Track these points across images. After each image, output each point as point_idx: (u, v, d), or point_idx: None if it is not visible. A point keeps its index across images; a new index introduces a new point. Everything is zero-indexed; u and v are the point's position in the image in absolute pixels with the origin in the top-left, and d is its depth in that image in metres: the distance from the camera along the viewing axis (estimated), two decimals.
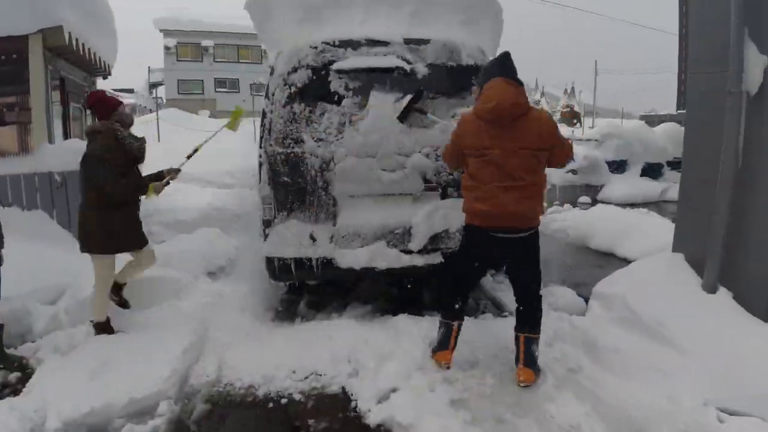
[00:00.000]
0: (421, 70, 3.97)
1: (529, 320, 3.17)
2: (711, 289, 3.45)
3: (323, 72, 3.91)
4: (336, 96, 3.91)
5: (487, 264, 3.35)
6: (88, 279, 4.49)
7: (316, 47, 3.94)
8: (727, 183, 3.39)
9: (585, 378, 3.18)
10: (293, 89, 3.91)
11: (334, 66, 3.91)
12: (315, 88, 3.91)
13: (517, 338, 3.15)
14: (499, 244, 3.07)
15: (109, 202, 3.71)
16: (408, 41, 4.00)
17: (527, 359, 3.10)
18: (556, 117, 52.65)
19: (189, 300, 4.51)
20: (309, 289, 4.89)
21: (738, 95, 3.34)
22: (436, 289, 4.94)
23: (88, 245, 3.76)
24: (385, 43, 3.98)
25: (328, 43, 3.95)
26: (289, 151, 3.91)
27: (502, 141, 2.94)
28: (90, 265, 4.65)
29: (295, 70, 3.92)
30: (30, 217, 5.51)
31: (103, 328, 3.78)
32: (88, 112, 3.93)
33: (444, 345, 3.24)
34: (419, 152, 3.92)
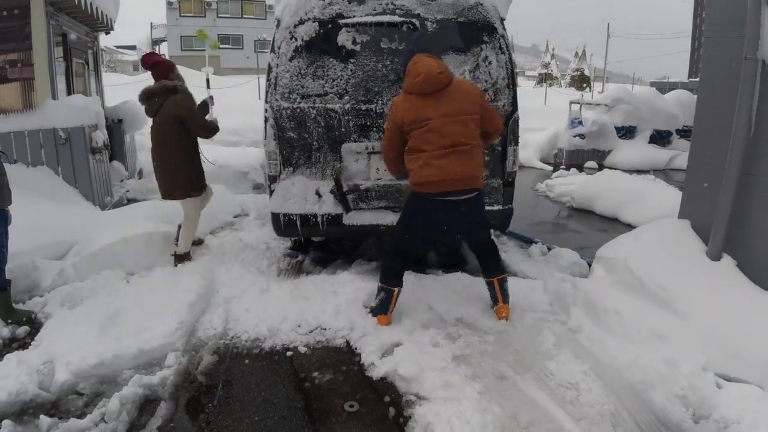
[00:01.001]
0: (431, 25, 3.88)
1: (495, 265, 3.53)
2: (715, 257, 3.43)
3: (330, 25, 3.84)
4: (344, 50, 3.84)
5: (432, 231, 3.41)
6: (94, 235, 4.55)
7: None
8: (737, 151, 3.33)
9: (585, 338, 3.23)
10: (300, 42, 3.84)
11: (342, 20, 3.83)
12: (322, 42, 3.85)
13: (490, 283, 3.49)
14: (447, 207, 3.20)
15: (194, 149, 4.31)
16: None
17: (505, 297, 3.49)
18: (566, 80, 52.12)
19: (195, 255, 4.55)
20: (314, 245, 4.92)
21: (753, 62, 3.25)
22: (440, 248, 4.97)
23: (182, 191, 4.27)
24: None
25: None
26: (295, 105, 3.88)
27: (439, 109, 3.11)
28: (97, 221, 4.73)
29: (302, 22, 3.84)
30: (35, 174, 5.52)
31: (185, 258, 4.33)
32: (146, 71, 4.30)
33: (384, 309, 3.37)
34: None
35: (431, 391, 2.65)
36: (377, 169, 3.99)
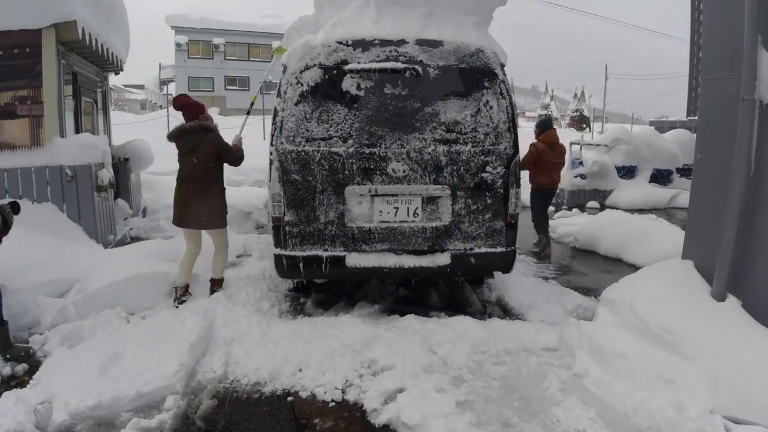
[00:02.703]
0: (433, 71, 3.97)
1: None
2: (720, 297, 3.41)
3: (335, 71, 3.93)
4: (348, 95, 3.92)
5: None
6: (96, 273, 4.55)
7: (329, 46, 3.96)
8: (738, 190, 3.35)
9: (591, 383, 3.16)
10: (305, 87, 3.92)
11: (347, 66, 3.92)
12: (327, 87, 3.93)
13: None
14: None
15: (222, 181, 4.63)
16: (420, 42, 4.00)
17: None
18: (566, 121, 52.81)
19: (196, 295, 4.53)
20: (316, 287, 4.89)
21: (751, 103, 3.31)
22: (443, 290, 4.94)
23: (218, 221, 4.57)
24: (398, 43, 3.98)
25: (341, 42, 3.96)
26: (299, 149, 3.93)
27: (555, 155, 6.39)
28: (99, 259, 4.74)
29: (307, 68, 3.93)
30: (40, 210, 5.54)
31: (220, 284, 4.61)
32: (177, 112, 4.62)
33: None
34: (429, 154, 3.93)
35: None
36: (380, 211, 4.01)
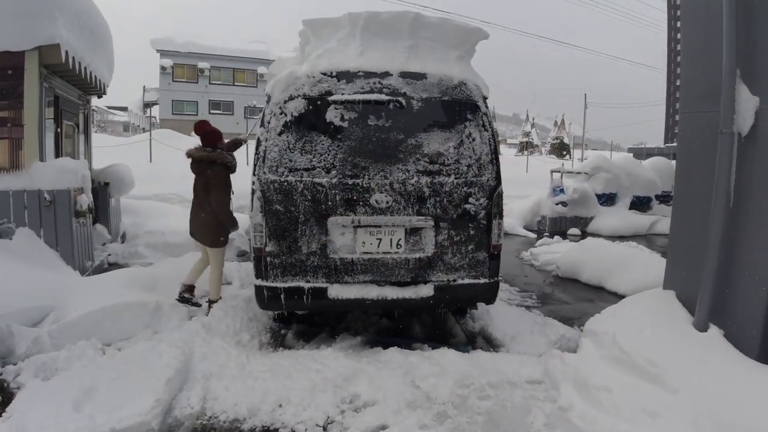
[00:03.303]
0: (417, 103, 4.00)
1: None
2: (702, 328, 3.43)
3: (320, 102, 3.94)
4: (332, 126, 3.93)
5: None
6: (72, 302, 4.43)
7: (313, 77, 3.97)
8: (718, 221, 3.40)
9: (576, 417, 3.14)
10: (289, 118, 3.92)
11: (331, 97, 3.93)
12: (311, 118, 3.93)
13: None
14: None
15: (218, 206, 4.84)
16: (404, 74, 4.04)
17: None
18: (546, 148, 53.69)
19: (174, 326, 4.43)
20: (297, 318, 4.82)
21: (729, 135, 3.38)
22: (426, 321, 4.91)
23: (220, 240, 4.90)
24: (382, 75, 4.01)
25: (325, 74, 3.98)
26: (282, 179, 3.91)
27: None
28: (76, 287, 4.64)
29: (291, 98, 3.94)
30: (16, 235, 5.43)
31: (216, 302, 4.84)
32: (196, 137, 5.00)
33: None
34: (412, 185, 3.93)
35: None
36: (363, 242, 3.99)
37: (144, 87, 30.84)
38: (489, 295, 4.20)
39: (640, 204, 12.79)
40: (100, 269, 6.24)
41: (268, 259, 3.95)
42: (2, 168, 5.80)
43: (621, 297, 5.62)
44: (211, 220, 4.82)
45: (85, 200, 5.88)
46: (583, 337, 3.88)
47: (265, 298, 3.99)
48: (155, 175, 12.60)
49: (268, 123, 3.94)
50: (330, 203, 3.92)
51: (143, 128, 34.28)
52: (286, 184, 3.91)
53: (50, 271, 5.17)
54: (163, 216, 9.08)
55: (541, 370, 3.65)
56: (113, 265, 6.70)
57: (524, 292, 6.28)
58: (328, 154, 3.92)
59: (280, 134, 3.92)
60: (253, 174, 3.96)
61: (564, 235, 10.33)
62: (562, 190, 11.60)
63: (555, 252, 7.96)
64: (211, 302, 4.88)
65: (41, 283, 4.76)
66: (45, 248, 5.52)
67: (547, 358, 3.69)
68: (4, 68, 5.68)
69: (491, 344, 4.45)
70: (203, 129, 4.91)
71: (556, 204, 11.40)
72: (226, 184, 4.86)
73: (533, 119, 57.11)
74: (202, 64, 36.73)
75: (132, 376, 3.41)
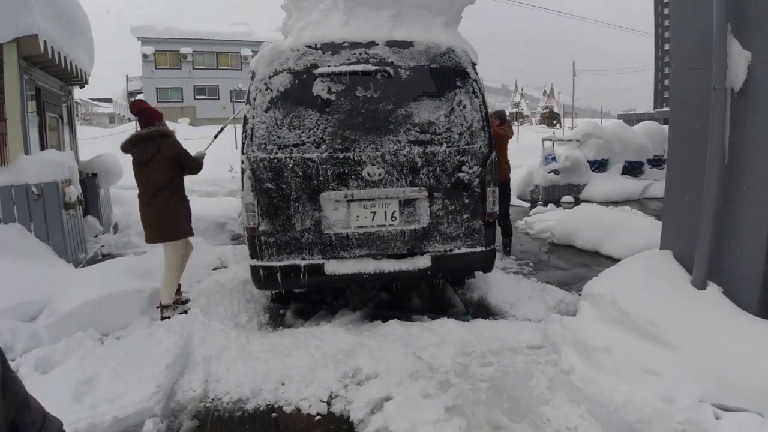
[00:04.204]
0: (405, 72, 3.93)
1: None
2: (701, 285, 3.43)
3: (305, 76, 3.85)
4: (319, 99, 3.85)
5: None
6: (67, 294, 4.39)
7: (297, 50, 3.88)
8: (714, 179, 3.38)
9: (578, 379, 3.14)
10: (275, 93, 3.84)
11: (317, 70, 3.85)
12: (297, 92, 3.85)
13: None
14: None
15: (183, 191, 4.47)
16: (391, 43, 3.96)
17: None
18: (536, 118, 53.55)
19: (171, 313, 4.39)
20: (295, 297, 4.80)
21: (722, 91, 3.34)
22: (425, 292, 4.90)
23: (168, 234, 4.36)
24: (367, 45, 3.93)
25: (309, 46, 3.89)
26: (272, 156, 3.84)
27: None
28: (70, 279, 4.59)
29: (276, 73, 3.85)
30: (6, 231, 5.34)
31: (168, 309, 4.35)
32: (133, 118, 4.65)
33: None
34: (404, 155, 3.88)
35: None
36: (357, 216, 3.94)
37: (127, 76, 30.27)
38: (486, 263, 4.19)
39: (632, 169, 12.80)
40: (93, 261, 6.18)
41: (262, 238, 3.91)
42: None
43: (617, 261, 5.59)
44: (172, 211, 4.33)
45: (74, 192, 5.79)
46: (582, 300, 3.88)
47: (262, 277, 3.95)
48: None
49: (254, 100, 3.86)
50: (322, 178, 3.86)
51: (128, 118, 33.83)
52: (275, 161, 3.84)
53: (43, 265, 5.12)
54: None
55: (541, 335, 3.66)
56: (107, 256, 6.65)
57: (520, 260, 6.29)
58: (317, 129, 3.85)
59: (266, 111, 3.83)
60: (242, 153, 3.89)
61: (557, 203, 10.35)
62: (554, 159, 11.58)
63: (549, 220, 7.97)
64: (163, 307, 4.36)
65: (35, 277, 4.72)
66: (36, 242, 5.46)
67: (547, 322, 3.69)
68: None
69: (490, 312, 4.45)
70: (141, 107, 4.45)
71: (549, 172, 11.39)
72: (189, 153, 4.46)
73: (522, 89, 56.82)
74: (184, 50, 36.11)
75: (131, 364, 3.39)
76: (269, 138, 3.84)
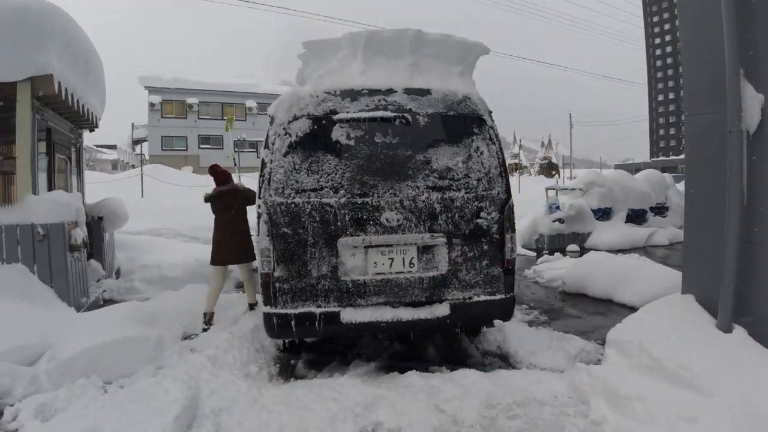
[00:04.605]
0: (423, 119, 3.93)
1: None
2: (726, 328, 3.39)
3: (324, 121, 3.85)
4: (338, 145, 3.84)
5: None
6: (69, 339, 4.25)
7: (317, 96, 3.90)
8: (734, 221, 3.39)
9: (611, 430, 3.01)
10: (294, 138, 3.83)
11: (336, 115, 3.85)
12: (316, 138, 3.84)
13: None
14: None
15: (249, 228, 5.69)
16: (409, 91, 3.99)
17: None
18: (535, 169, 54.16)
19: (178, 361, 4.24)
20: (306, 346, 4.63)
21: (738, 134, 3.39)
22: (440, 342, 4.75)
23: (252, 255, 5.61)
24: (386, 93, 3.95)
25: (329, 93, 3.92)
26: (289, 201, 3.79)
27: None
28: (72, 323, 4.49)
29: (295, 118, 3.85)
30: (9, 271, 5.24)
31: (256, 305, 5.59)
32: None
33: None
34: (423, 201, 3.83)
35: None
36: (375, 263, 3.85)
37: (133, 124, 30.81)
38: (505, 311, 4.07)
39: (635, 217, 12.80)
40: (95, 305, 6.03)
41: (277, 284, 3.80)
42: None
43: (631, 308, 5.55)
44: (249, 238, 5.63)
45: (80, 234, 5.71)
46: (607, 347, 3.76)
47: (275, 325, 3.82)
48: (147, 209, 12.41)
49: (273, 144, 3.84)
50: (339, 224, 3.80)
51: (132, 165, 34.17)
52: (293, 205, 3.78)
53: (45, 308, 5.00)
54: (158, 250, 8.88)
55: (566, 384, 3.51)
56: (109, 302, 6.49)
57: (534, 309, 6.15)
58: (336, 174, 3.82)
59: (285, 155, 3.82)
60: (258, 197, 3.84)
61: (563, 252, 10.26)
62: (558, 207, 11.58)
63: (558, 268, 7.88)
64: (251, 306, 5.71)
65: (36, 320, 4.58)
66: (39, 284, 5.34)
67: (573, 372, 3.56)
68: None
69: (509, 362, 4.30)
70: (216, 170, 5.88)
71: (553, 221, 11.37)
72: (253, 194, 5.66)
73: (520, 141, 57.81)
74: (190, 100, 36.86)
75: (137, 415, 3.24)
76: (287, 182, 3.80)
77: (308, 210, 3.79)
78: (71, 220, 5.66)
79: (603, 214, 12.36)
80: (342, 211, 3.79)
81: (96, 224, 7.27)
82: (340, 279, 3.83)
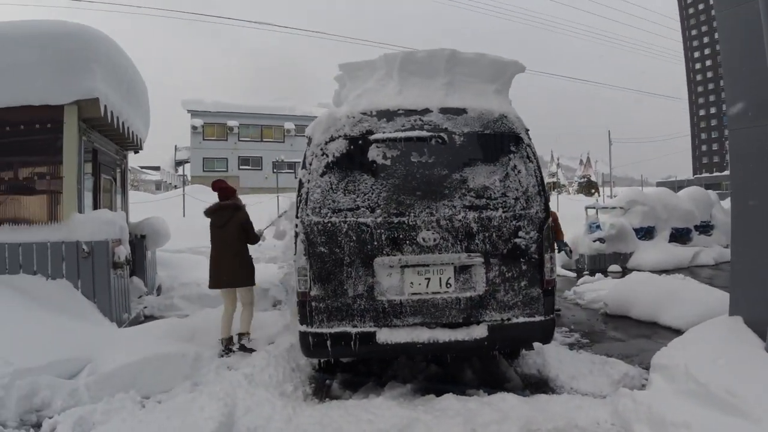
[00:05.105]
0: (459, 138, 3.91)
1: None
2: None
3: (361, 141, 3.88)
4: (374, 165, 3.85)
5: None
6: (109, 353, 4.34)
7: (353, 117, 3.93)
8: None
9: None
10: (331, 158, 3.86)
11: (373, 136, 3.87)
12: (353, 158, 3.86)
13: None
14: None
15: (248, 249, 5.47)
16: (444, 110, 3.97)
17: None
18: (574, 187, 53.22)
19: (215, 378, 4.28)
20: (341, 367, 4.61)
21: None
22: (477, 365, 4.64)
23: (247, 280, 5.34)
24: (422, 112, 3.95)
25: (365, 113, 3.94)
26: (326, 220, 3.80)
27: None
28: (113, 339, 4.58)
29: (332, 139, 3.89)
30: (54, 287, 5.45)
31: (247, 336, 5.28)
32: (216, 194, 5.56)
33: None
34: (460, 221, 3.79)
35: None
36: (411, 283, 3.81)
37: (176, 147, 31.81)
38: (545, 333, 3.94)
39: (679, 236, 12.37)
40: (136, 321, 6.17)
41: (313, 303, 3.80)
42: (40, 220, 5.89)
43: (676, 331, 5.33)
44: (244, 261, 5.31)
45: (123, 251, 5.88)
46: (652, 372, 3.61)
47: (311, 345, 3.81)
48: (188, 228, 12.70)
49: (310, 164, 3.89)
50: (376, 243, 3.78)
51: (174, 186, 35.14)
52: (330, 225, 3.79)
53: (87, 323, 5.15)
54: (197, 268, 9.07)
55: (609, 411, 3.37)
56: (149, 318, 6.64)
57: (575, 332, 5.97)
58: (372, 193, 3.82)
59: (322, 175, 3.85)
60: (296, 216, 3.87)
61: (604, 273, 9.98)
62: (598, 227, 11.31)
63: (600, 289, 7.65)
64: (241, 335, 5.25)
65: (78, 334, 4.71)
66: (82, 299, 5.53)
67: (616, 397, 3.41)
68: (43, 122, 5.86)
69: (550, 387, 4.16)
70: (221, 186, 5.54)
71: (594, 241, 11.10)
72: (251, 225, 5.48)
73: (558, 159, 56.99)
74: (231, 123, 37.88)
75: (173, 430, 3.24)
76: (324, 202, 3.82)
77: (345, 229, 3.79)
78: (115, 238, 5.84)
79: (645, 233, 11.99)
80: (378, 231, 3.78)
81: (139, 242, 7.49)
82: (376, 299, 3.79)
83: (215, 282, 5.29)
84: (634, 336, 5.78)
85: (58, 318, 4.84)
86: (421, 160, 3.85)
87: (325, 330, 3.79)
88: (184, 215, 17.17)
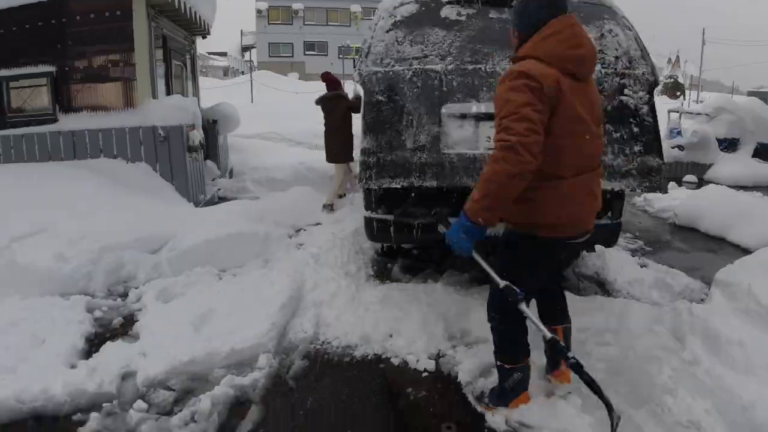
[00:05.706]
0: None
1: (564, 304, 2.79)
2: None
3: (434, 4, 3.62)
4: (447, 20, 3.55)
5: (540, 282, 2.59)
6: (187, 231, 4.67)
7: None
8: None
9: (703, 372, 2.89)
10: (399, 18, 3.59)
11: None
12: (423, 17, 3.58)
13: (554, 336, 2.33)
14: (566, 250, 2.50)
15: (351, 131, 6.54)
16: None
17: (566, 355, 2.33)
18: (659, 88, 49.28)
19: (284, 256, 4.55)
20: (403, 252, 4.79)
21: None
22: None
23: (338, 157, 6.62)
24: None
25: None
26: (387, 69, 3.41)
27: (587, 108, 2.19)
28: (191, 217, 4.89)
29: (402, 4, 3.65)
30: (134, 169, 5.77)
31: (331, 207, 6.29)
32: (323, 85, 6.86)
33: (523, 388, 2.55)
34: None
35: (539, 420, 2.44)
36: (488, 138, 3.24)
37: (242, 31, 31.53)
38: (609, 236, 3.80)
39: (764, 152, 11.44)
40: (211, 202, 6.54)
41: (369, 159, 3.41)
42: (117, 107, 6.11)
43: (745, 250, 5.15)
44: (342, 143, 6.48)
45: (197, 136, 6.11)
46: (714, 287, 3.54)
47: (375, 230, 3.84)
48: (257, 114, 12.93)
49: (376, 25, 3.63)
50: (445, 89, 3.34)
51: (242, 72, 35.27)
52: (391, 74, 3.39)
53: (167, 203, 5.47)
54: (266, 154, 9.37)
55: (664, 320, 3.38)
56: (223, 199, 7.03)
57: (639, 239, 5.87)
58: (443, 44, 3.48)
59: (387, 31, 3.54)
60: (353, 68, 3.70)
61: (679, 182, 9.54)
62: (679, 133, 10.62)
63: (672, 198, 7.36)
64: (324, 206, 6.25)
65: (159, 213, 5.04)
66: (161, 181, 5.84)
67: (673, 307, 3.41)
68: (112, 9, 5.88)
69: (606, 290, 4.20)
70: (328, 78, 6.76)
71: (672, 147, 10.44)
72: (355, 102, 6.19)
73: None
74: (296, 5, 36.81)
75: (247, 302, 3.57)
76: (386, 53, 3.44)
77: (408, 76, 3.38)
78: (189, 123, 6.05)
79: (729, 145, 11.15)
80: (448, 77, 3.36)
81: (211, 127, 7.72)
82: (442, 151, 3.34)
83: (328, 157, 6.70)
84: (700, 249, 5.63)
85: (139, 198, 5.16)
86: (502, 16, 3.53)
87: (389, 217, 3.71)
88: (252, 101, 17.38)
